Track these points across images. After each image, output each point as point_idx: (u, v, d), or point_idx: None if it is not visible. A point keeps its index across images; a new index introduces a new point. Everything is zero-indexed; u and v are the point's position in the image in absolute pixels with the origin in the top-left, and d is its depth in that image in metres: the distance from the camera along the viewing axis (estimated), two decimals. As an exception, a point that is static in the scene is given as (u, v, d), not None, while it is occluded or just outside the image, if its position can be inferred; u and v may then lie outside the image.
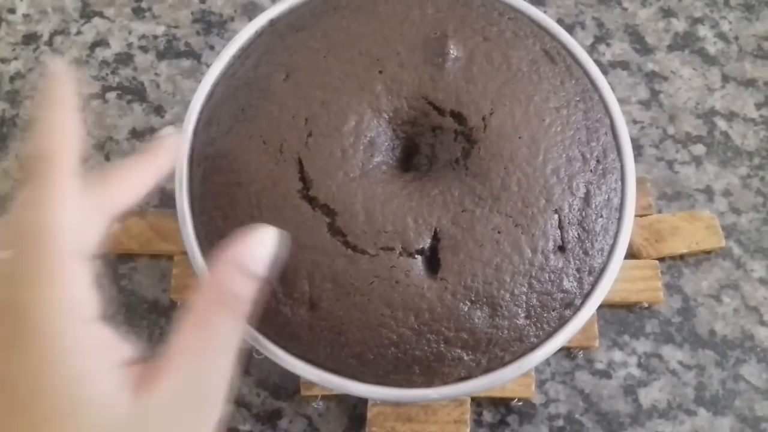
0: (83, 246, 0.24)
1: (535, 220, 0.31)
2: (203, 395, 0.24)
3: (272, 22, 0.36)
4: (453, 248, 0.30)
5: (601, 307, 0.32)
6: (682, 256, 0.42)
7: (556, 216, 0.31)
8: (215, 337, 0.24)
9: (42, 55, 0.46)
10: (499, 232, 0.30)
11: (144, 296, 0.41)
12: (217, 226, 0.31)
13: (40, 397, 0.21)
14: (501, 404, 0.39)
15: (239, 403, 0.39)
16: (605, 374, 0.40)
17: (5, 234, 0.24)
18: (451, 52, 0.33)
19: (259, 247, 0.27)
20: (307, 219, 0.30)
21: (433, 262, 0.30)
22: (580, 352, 0.40)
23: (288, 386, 0.39)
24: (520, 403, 0.39)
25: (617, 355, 0.40)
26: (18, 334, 0.22)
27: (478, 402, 0.39)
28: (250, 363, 0.39)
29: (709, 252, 0.42)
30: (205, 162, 0.32)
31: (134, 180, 0.28)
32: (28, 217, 0.23)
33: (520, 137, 0.31)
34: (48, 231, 0.23)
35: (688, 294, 0.41)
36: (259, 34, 0.35)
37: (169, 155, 0.30)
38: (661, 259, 0.41)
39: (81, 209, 0.24)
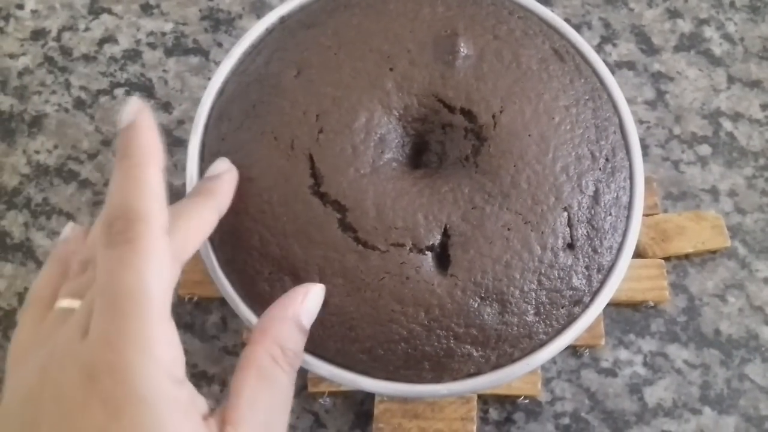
0: (170, 304, 0.24)
1: (544, 218, 0.31)
2: None
3: (283, 19, 0.36)
4: (463, 245, 0.30)
5: (607, 305, 0.32)
6: (687, 256, 0.42)
7: (565, 214, 0.31)
8: (281, 392, 0.27)
9: (50, 51, 0.46)
10: (508, 229, 0.30)
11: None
12: (229, 221, 0.32)
13: None
14: (507, 402, 0.39)
15: (246, 398, 0.39)
16: (611, 373, 0.40)
17: (87, 286, 0.24)
18: (462, 49, 0.33)
19: (312, 303, 0.29)
20: (318, 215, 0.30)
21: (443, 258, 0.30)
22: (586, 350, 0.40)
23: (295, 383, 0.39)
24: (527, 401, 0.39)
25: (623, 354, 0.40)
26: (122, 395, 0.22)
27: (484, 399, 0.39)
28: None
29: (714, 252, 0.42)
30: (216, 157, 0.33)
31: (201, 224, 0.28)
32: (125, 280, 0.23)
33: (529, 135, 0.32)
34: (148, 295, 0.23)
35: (694, 293, 0.41)
36: (270, 31, 0.35)
37: (229, 193, 0.30)
38: (667, 259, 0.41)
39: (171, 268, 0.24)
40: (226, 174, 0.31)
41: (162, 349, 0.23)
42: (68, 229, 0.32)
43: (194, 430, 0.23)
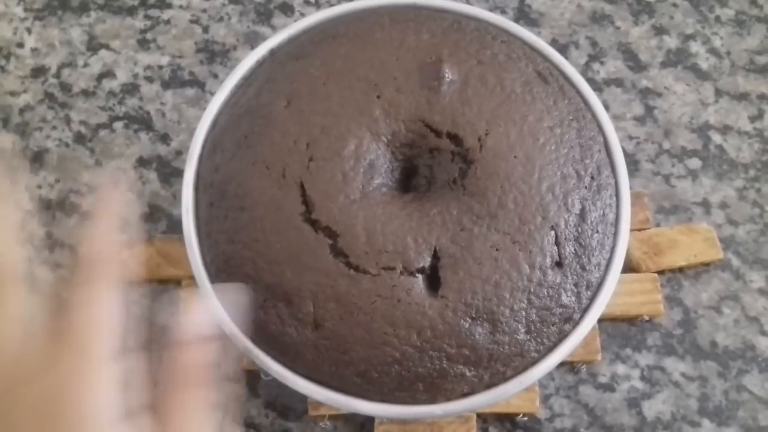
0: (117, 346, 0.25)
1: (532, 237, 0.31)
2: None
3: (272, 52, 0.37)
4: (453, 266, 0.31)
5: (602, 320, 0.33)
6: (681, 269, 0.42)
7: (552, 232, 0.32)
8: (197, 412, 0.26)
9: (50, 88, 0.47)
10: (497, 250, 0.31)
11: (154, 321, 0.42)
12: (223, 250, 0.32)
13: None
14: (506, 420, 0.39)
15: (249, 424, 0.39)
16: (609, 388, 0.40)
17: (51, 324, 0.25)
18: (447, 75, 0.34)
19: (189, 314, 0.28)
20: (310, 241, 0.31)
21: (433, 280, 0.31)
22: (583, 366, 0.40)
23: (296, 407, 0.39)
24: (525, 419, 0.39)
25: (620, 369, 0.40)
26: (55, 420, 0.23)
27: (483, 418, 0.39)
28: (258, 384, 0.40)
29: (708, 264, 0.43)
30: (211, 188, 0.33)
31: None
32: (80, 318, 0.25)
33: (515, 156, 0.32)
34: (97, 337, 0.25)
35: (689, 306, 0.42)
36: (260, 63, 0.36)
37: (118, 201, 0.30)
38: (661, 272, 0.42)
39: (123, 306, 0.26)
40: (105, 188, 0.29)
41: (100, 389, 0.24)
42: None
43: None
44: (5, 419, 0.24)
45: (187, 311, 0.28)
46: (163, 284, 0.42)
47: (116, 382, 0.25)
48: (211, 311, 0.28)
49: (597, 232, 0.32)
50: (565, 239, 0.32)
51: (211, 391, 0.27)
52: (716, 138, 0.46)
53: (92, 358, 0.24)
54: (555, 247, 0.31)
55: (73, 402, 0.24)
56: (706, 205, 0.44)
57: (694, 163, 0.45)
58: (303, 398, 0.39)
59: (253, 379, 0.40)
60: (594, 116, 0.35)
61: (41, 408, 0.24)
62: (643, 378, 0.40)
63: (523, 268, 0.31)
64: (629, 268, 0.41)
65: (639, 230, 0.42)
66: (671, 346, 0.41)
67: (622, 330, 0.41)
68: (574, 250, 0.32)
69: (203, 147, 0.35)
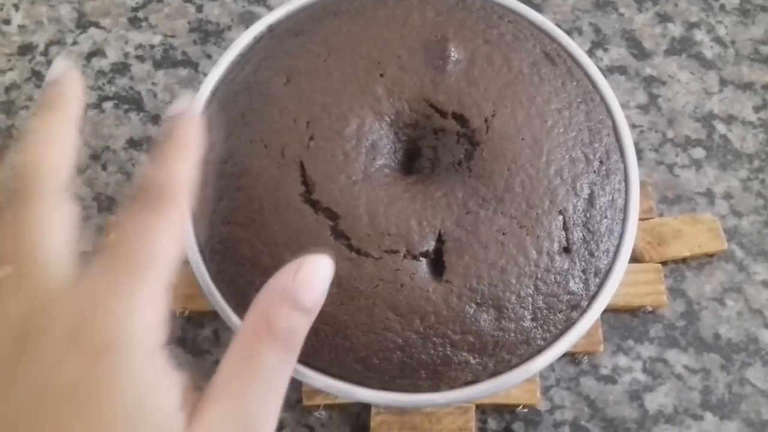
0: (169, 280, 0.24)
1: (539, 222, 0.30)
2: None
3: (271, 28, 0.35)
4: (458, 250, 0.30)
5: (604, 311, 0.32)
6: (684, 260, 0.42)
7: (560, 217, 0.31)
8: (260, 372, 0.23)
9: (38, 66, 0.46)
10: (503, 234, 0.30)
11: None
12: (219, 231, 0.31)
13: (109, 404, 0.21)
14: (506, 411, 0.38)
15: (240, 413, 0.38)
16: (610, 380, 0.39)
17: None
18: (452, 54, 0.32)
19: (313, 277, 0.25)
20: (310, 223, 0.30)
21: (437, 264, 0.30)
22: (585, 357, 0.39)
23: (290, 396, 0.38)
24: (525, 410, 0.38)
25: (622, 360, 0.39)
26: (102, 345, 0.22)
27: (482, 409, 0.38)
28: (251, 372, 0.39)
29: (711, 255, 0.42)
30: (206, 167, 0.32)
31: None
32: (143, 243, 0.23)
33: (522, 139, 0.31)
34: (156, 264, 0.23)
35: (692, 297, 0.41)
36: (258, 40, 0.35)
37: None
38: (664, 263, 0.41)
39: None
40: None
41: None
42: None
43: (162, 390, 0.22)
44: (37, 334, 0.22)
45: (306, 273, 0.25)
46: (154, 269, 0.41)
47: (163, 313, 0.23)
48: (325, 283, 0.25)
49: (606, 217, 0.31)
50: (573, 224, 0.31)
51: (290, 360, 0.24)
52: (720, 128, 0.45)
53: (149, 283, 0.23)
54: (563, 232, 0.30)
55: (118, 326, 0.22)
56: (710, 195, 0.43)
57: (698, 152, 0.44)
58: (297, 387, 0.38)
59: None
60: (602, 99, 0.34)
61: (77, 325, 0.22)
62: (645, 370, 0.39)
63: (530, 253, 0.30)
64: (632, 258, 0.40)
65: (642, 220, 0.41)
66: (674, 338, 0.40)
67: (625, 321, 0.40)
68: (583, 235, 0.31)
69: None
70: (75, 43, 0.46)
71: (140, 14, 0.47)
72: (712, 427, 0.38)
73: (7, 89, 0.45)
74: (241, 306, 0.31)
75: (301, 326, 0.24)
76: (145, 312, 0.22)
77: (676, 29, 0.48)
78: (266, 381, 0.23)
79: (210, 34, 0.47)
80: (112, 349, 0.21)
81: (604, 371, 0.39)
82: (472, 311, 0.29)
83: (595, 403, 0.39)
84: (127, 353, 0.22)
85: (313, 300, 0.25)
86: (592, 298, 0.31)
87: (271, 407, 0.23)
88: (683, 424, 0.38)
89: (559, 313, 0.30)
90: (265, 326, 0.24)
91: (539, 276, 0.30)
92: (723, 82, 0.46)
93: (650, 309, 0.40)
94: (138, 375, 0.22)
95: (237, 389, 0.23)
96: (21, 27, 0.47)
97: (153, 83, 0.46)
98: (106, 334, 0.22)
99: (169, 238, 0.23)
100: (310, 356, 0.30)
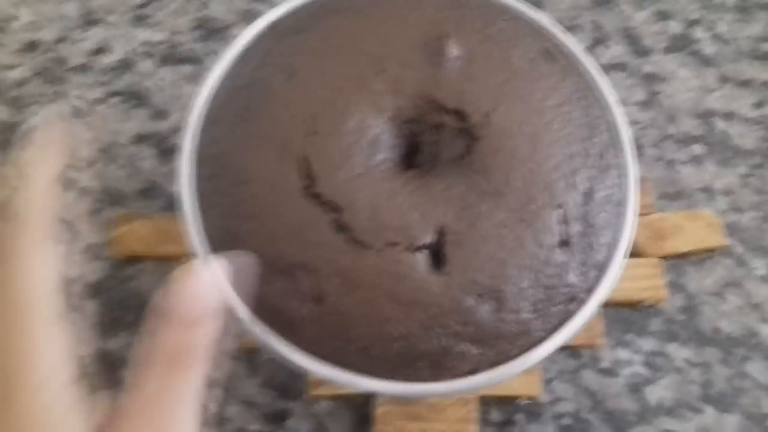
0: (59, 308, 0.23)
1: (538, 215, 0.31)
2: None
3: (273, 25, 0.36)
4: (458, 243, 0.30)
5: (605, 305, 0.32)
6: (684, 255, 0.42)
7: (559, 210, 0.31)
8: (164, 394, 0.23)
9: (45, 62, 0.46)
10: (503, 227, 0.30)
11: (150, 298, 0.41)
12: (222, 224, 0.32)
13: None
14: (507, 403, 0.39)
15: (246, 403, 0.39)
16: (611, 373, 0.40)
17: None
18: (452, 51, 0.33)
19: (186, 290, 0.24)
20: (312, 215, 0.30)
21: (438, 257, 0.30)
22: (586, 350, 0.40)
23: (295, 386, 0.39)
24: (527, 402, 0.39)
25: (622, 354, 0.40)
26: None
27: (484, 401, 0.38)
28: (256, 363, 0.39)
29: (711, 250, 0.42)
30: (209, 161, 0.33)
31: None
32: (12, 278, 0.23)
33: (522, 134, 0.32)
34: (33, 299, 0.23)
35: (692, 292, 0.41)
36: (260, 37, 0.36)
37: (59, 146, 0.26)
38: (664, 258, 0.41)
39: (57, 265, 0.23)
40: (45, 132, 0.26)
41: (42, 355, 0.22)
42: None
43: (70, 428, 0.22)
44: None
45: (189, 280, 0.24)
46: (161, 261, 0.41)
47: (61, 346, 0.23)
48: (214, 281, 0.25)
49: (604, 211, 0.32)
50: (572, 218, 0.31)
51: (203, 373, 0.24)
52: (720, 124, 0.46)
53: (32, 321, 0.22)
54: (562, 226, 0.31)
55: (15, 368, 0.22)
56: (709, 191, 0.44)
57: (698, 148, 0.45)
58: (302, 377, 0.39)
59: (253, 357, 0.39)
60: (601, 95, 0.35)
61: None
62: (645, 363, 0.40)
63: (529, 246, 0.30)
64: (633, 252, 0.40)
65: (642, 215, 0.41)
66: (674, 332, 0.40)
67: (625, 315, 0.41)
68: (581, 229, 0.31)
69: (202, 120, 0.34)
70: (82, 39, 0.47)
71: (145, 11, 0.48)
72: (712, 420, 0.38)
73: (16, 85, 0.46)
74: (243, 298, 0.31)
75: (193, 340, 0.24)
76: (40, 355, 0.22)
77: (675, 26, 0.48)
78: (172, 401, 0.23)
79: (214, 31, 0.47)
80: (20, 397, 0.22)
81: (604, 364, 0.40)
82: (472, 302, 0.30)
83: (595, 396, 0.39)
84: (37, 399, 0.22)
85: (194, 312, 0.24)
86: (591, 291, 0.31)
87: (183, 423, 0.23)
88: (683, 417, 0.39)
89: (558, 305, 0.31)
90: (157, 350, 0.24)
91: (538, 268, 0.30)
92: (722, 79, 0.47)
93: (650, 303, 0.41)
94: (49, 420, 0.22)
95: (145, 412, 0.23)
96: (29, 23, 0.48)
97: (159, 79, 0.46)
98: (13, 381, 0.22)
99: (38, 269, 0.23)
100: (312, 346, 0.30)
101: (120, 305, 0.41)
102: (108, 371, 0.39)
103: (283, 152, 0.31)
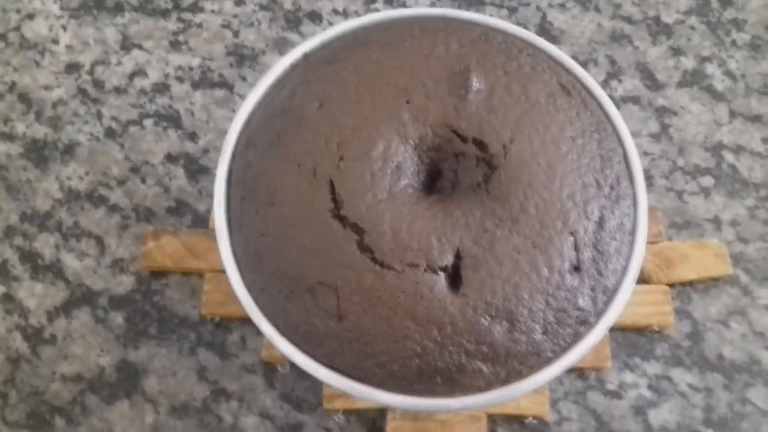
0: None
1: (552, 242, 0.32)
2: None
3: (306, 55, 0.38)
4: (474, 266, 0.32)
5: (613, 329, 0.34)
6: (691, 283, 0.43)
7: (571, 238, 0.33)
8: None
9: (84, 84, 0.49)
10: (518, 252, 0.32)
11: (175, 311, 0.43)
12: (253, 243, 0.33)
13: None
14: (515, 421, 0.40)
15: (263, 415, 0.40)
16: (616, 395, 0.41)
17: None
18: (474, 84, 0.35)
19: None
20: (338, 237, 0.32)
21: (455, 278, 0.32)
22: (593, 372, 0.41)
23: (310, 400, 0.40)
24: (534, 421, 0.40)
25: (628, 377, 0.41)
26: None
27: (493, 419, 0.40)
28: (274, 376, 0.41)
29: (717, 279, 0.44)
30: (243, 184, 0.35)
31: None
32: None
33: (538, 164, 0.34)
34: None
35: (697, 319, 0.43)
36: (294, 66, 0.38)
37: None
38: (671, 285, 0.43)
39: None
40: None
41: None
42: None
43: None
44: None
45: None
46: (187, 276, 0.43)
47: None
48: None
49: (615, 239, 0.34)
50: (583, 245, 0.33)
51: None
52: (729, 157, 0.47)
53: None
54: (574, 252, 0.33)
55: None
56: (717, 221, 0.45)
57: (707, 180, 0.46)
58: (317, 391, 0.40)
59: (270, 370, 0.41)
60: (614, 129, 0.36)
61: None
62: (650, 387, 0.41)
63: (542, 270, 0.32)
64: (641, 279, 0.42)
65: (651, 243, 0.43)
66: (679, 357, 0.42)
67: (632, 339, 0.42)
68: (592, 255, 0.33)
69: (236, 144, 0.36)
70: (119, 63, 0.50)
71: (180, 38, 0.50)
72: (714, 443, 0.40)
73: (54, 105, 0.48)
74: (272, 314, 0.33)
75: None
76: None
77: (688, 62, 0.50)
78: None
79: (245, 58, 0.50)
80: None
81: (610, 386, 0.41)
82: (486, 323, 0.31)
83: (601, 417, 0.40)
84: None
85: None
86: (600, 315, 0.33)
87: None
88: (686, 440, 0.40)
89: (568, 327, 0.32)
90: None
91: (550, 292, 0.32)
92: (732, 114, 0.48)
93: (657, 329, 0.42)
94: None
95: None
96: (68, 47, 0.50)
97: (191, 102, 0.48)
98: None
99: None
100: (332, 360, 0.32)
101: (144, 318, 0.42)
102: (129, 381, 0.41)
103: (312, 177, 0.33)
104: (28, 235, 0.45)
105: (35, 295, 0.43)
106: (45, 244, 0.44)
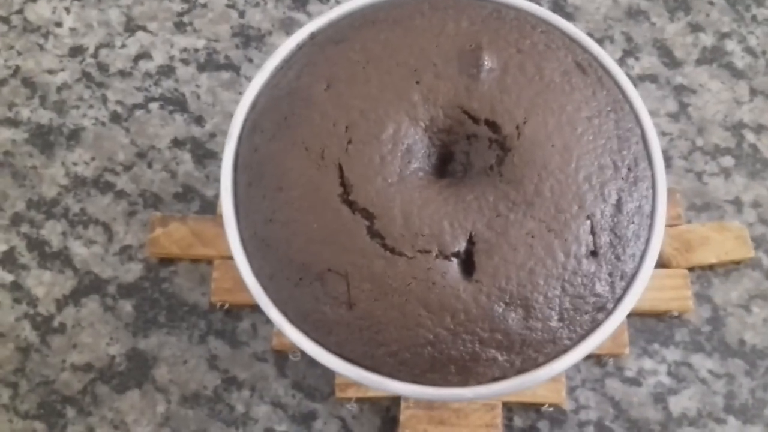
0: None
1: (568, 226, 0.31)
2: None
3: (313, 36, 0.37)
4: (488, 251, 0.31)
5: (631, 315, 0.33)
6: (711, 266, 0.42)
7: (588, 222, 0.32)
8: None
9: (88, 67, 0.48)
10: (532, 237, 0.31)
11: (184, 299, 0.42)
12: (260, 229, 0.33)
13: None
14: (531, 409, 0.39)
15: (276, 404, 0.40)
16: (635, 382, 0.40)
17: None
18: (486, 63, 0.34)
19: None
20: (347, 222, 0.31)
21: (468, 264, 0.31)
22: (611, 359, 0.40)
23: (323, 388, 0.40)
24: (551, 409, 0.39)
25: (647, 363, 0.40)
26: None
27: (509, 407, 0.39)
28: (286, 365, 0.40)
29: (738, 262, 0.42)
30: (249, 168, 0.34)
31: None
32: None
33: (553, 145, 0.32)
34: None
35: (718, 303, 0.42)
36: (301, 47, 0.37)
37: None
38: (691, 269, 0.42)
39: None
40: None
41: None
42: None
43: None
44: None
45: None
46: (195, 263, 0.43)
47: None
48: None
49: (633, 223, 0.32)
50: (600, 229, 0.32)
51: None
52: (750, 137, 0.46)
53: None
54: (590, 237, 0.32)
55: None
56: (738, 203, 0.44)
57: (727, 161, 0.45)
58: (330, 380, 0.40)
59: (281, 359, 0.41)
60: (632, 108, 0.35)
61: None
62: (669, 373, 0.40)
63: (558, 255, 0.31)
64: (660, 263, 0.41)
65: (670, 226, 0.42)
66: (699, 343, 0.41)
67: (650, 325, 0.41)
68: (610, 240, 0.32)
69: (242, 127, 0.35)
70: (123, 46, 0.49)
71: (185, 19, 0.49)
72: (735, 431, 0.39)
73: (59, 89, 0.48)
74: (281, 301, 0.32)
75: None
76: None
77: (707, 39, 0.49)
78: None
79: (251, 39, 0.49)
80: None
81: (629, 373, 0.40)
82: (500, 310, 0.30)
83: (619, 405, 0.40)
84: None
85: None
86: (618, 301, 0.32)
87: None
88: (706, 428, 0.39)
89: (585, 314, 0.31)
90: None
91: (566, 278, 0.31)
92: (753, 92, 0.47)
93: (676, 314, 0.41)
94: None
95: None
96: (72, 30, 0.49)
97: (197, 85, 0.47)
98: None
99: None
100: (343, 349, 0.31)
101: (153, 306, 0.42)
102: (139, 370, 0.40)
103: (320, 160, 0.32)
104: (35, 223, 0.44)
105: (43, 284, 0.43)
106: (52, 232, 0.44)
